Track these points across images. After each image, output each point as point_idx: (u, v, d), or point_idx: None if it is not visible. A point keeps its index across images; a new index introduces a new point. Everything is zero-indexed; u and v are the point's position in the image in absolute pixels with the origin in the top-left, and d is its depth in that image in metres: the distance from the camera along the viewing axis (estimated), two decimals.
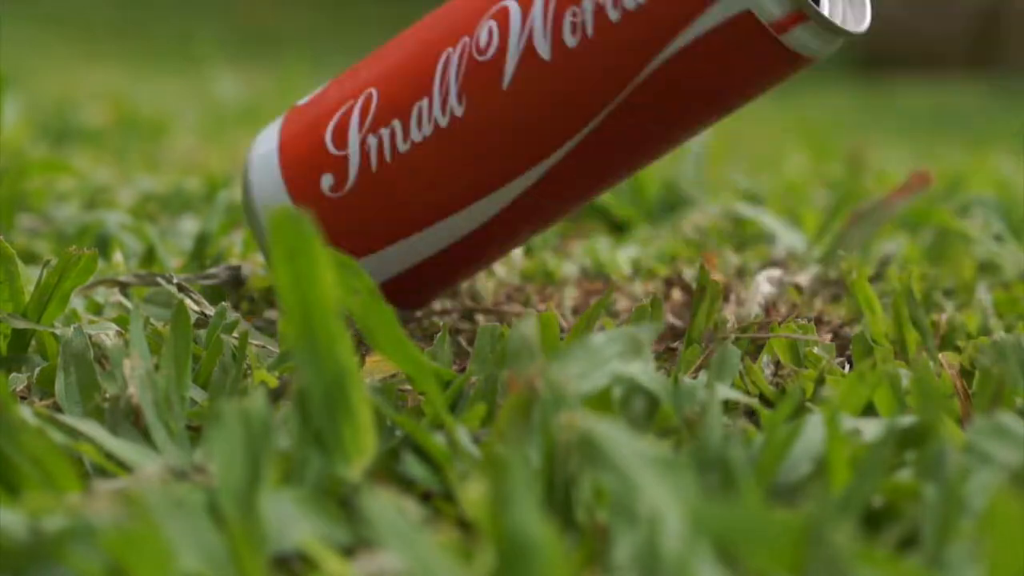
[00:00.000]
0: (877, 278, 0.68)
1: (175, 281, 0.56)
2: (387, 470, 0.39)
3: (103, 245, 0.75)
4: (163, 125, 1.69)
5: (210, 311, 0.52)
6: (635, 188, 1.01)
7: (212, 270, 0.64)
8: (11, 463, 0.35)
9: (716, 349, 0.46)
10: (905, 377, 0.44)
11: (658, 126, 0.53)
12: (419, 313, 0.63)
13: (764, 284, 0.64)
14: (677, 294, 0.69)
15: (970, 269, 0.69)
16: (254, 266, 0.65)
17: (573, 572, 0.31)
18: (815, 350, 0.52)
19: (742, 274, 0.76)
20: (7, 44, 2.70)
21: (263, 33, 4.70)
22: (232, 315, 0.50)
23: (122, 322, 0.52)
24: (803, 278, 0.72)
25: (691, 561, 0.29)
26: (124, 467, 0.38)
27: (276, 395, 0.43)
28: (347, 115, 0.56)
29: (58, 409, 0.42)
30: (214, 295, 0.62)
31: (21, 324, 0.50)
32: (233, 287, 0.63)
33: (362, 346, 0.46)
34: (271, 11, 5.35)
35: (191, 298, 0.54)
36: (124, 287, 0.59)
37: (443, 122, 0.53)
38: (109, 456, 0.38)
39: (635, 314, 0.50)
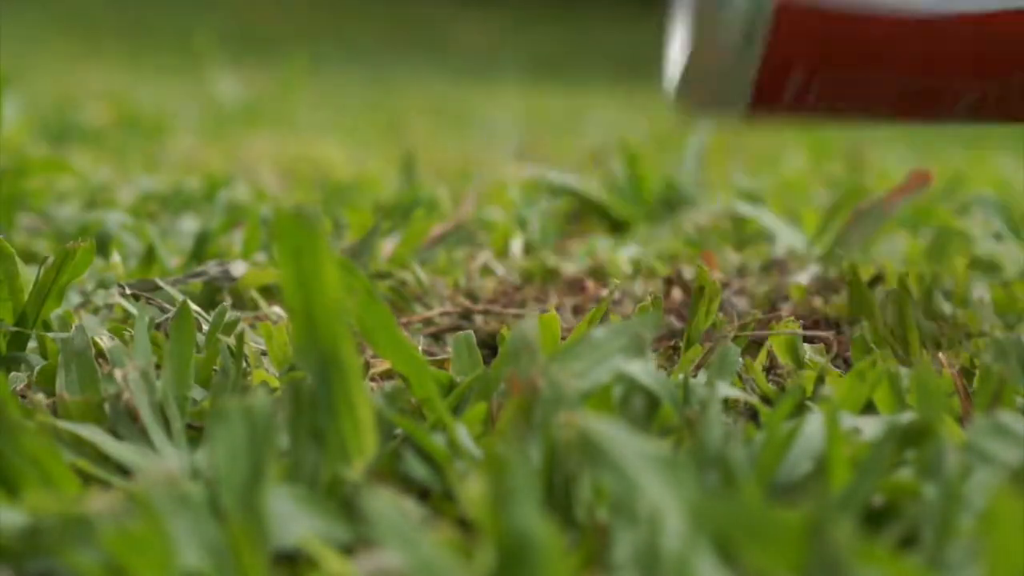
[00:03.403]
0: (878, 279, 0.68)
1: (129, 292, 0.56)
2: (388, 470, 0.39)
3: (103, 244, 0.75)
4: (163, 125, 1.69)
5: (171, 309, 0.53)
6: (635, 188, 1.01)
7: (200, 268, 0.64)
8: (11, 463, 0.35)
9: (715, 348, 0.46)
10: (905, 376, 0.44)
11: None
12: (419, 311, 0.63)
13: (734, 300, 0.64)
14: (677, 294, 0.69)
15: (962, 267, 0.69)
16: (248, 264, 0.64)
17: (573, 571, 0.31)
18: (810, 356, 0.52)
19: (743, 273, 0.76)
20: (7, 43, 2.70)
21: (263, 33, 4.70)
22: (232, 315, 0.50)
23: (118, 331, 0.52)
24: (803, 277, 0.72)
25: (691, 560, 0.29)
26: (124, 467, 0.38)
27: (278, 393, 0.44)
28: None
29: (58, 409, 0.42)
30: (208, 293, 0.62)
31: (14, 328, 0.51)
32: (225, 284, 0.63)
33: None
34: (271, 11, 5.35)
35: (151, 304, 0.54)
36: (120, 291, 0.59)
37: None
38: (108, 456, 0.38)
39: (637, 313, 0.50)
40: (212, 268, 0.63)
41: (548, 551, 0.28)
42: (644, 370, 0.40)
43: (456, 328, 0.60)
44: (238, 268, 0.64)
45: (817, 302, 0.65)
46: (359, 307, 0.40)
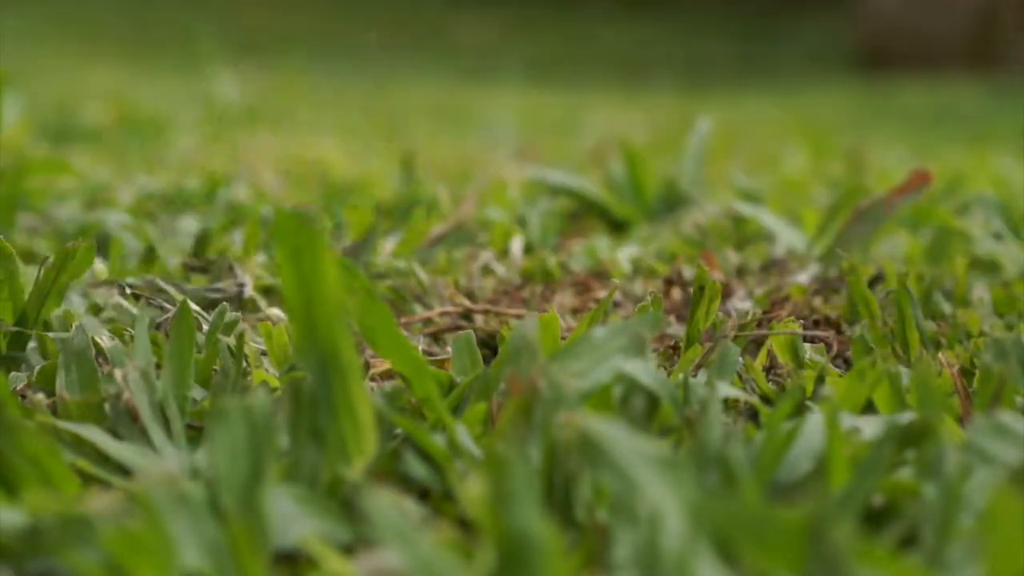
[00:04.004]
0: (878, 279, 0.68)
1: (130, 292, 0.56)
2: (388, 470, 0.39)
3: (103, 244, 0.75)
4: (163, 125, 1.69)
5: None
6: (635, 188, 1.01)
7: (220, 284, 0.64)
8: (11, 463, 0.35)
9: (716, 347, 0.46)
10: (905, 376, 0.44)
11: None
12: (419, 311, 0.63)
13: (740, 303, 0.64)
14: (677, 294, 0.69)
15: (963, 267, 0.69)
16: (253, 275, 0.64)
17: (573, 570, 0.31)
18: (810, 356, 0.52)
19: (742, 273, 0.76)
20: (8, 43, 2.70)
21: (263, 33, 4.70)
22: (232, 315, 0.50)
23: (118, 331, 0.52)
24: (803, 277, 0.72)
25: (691, 559, 0.29)
26: (124, 467, 0.38)
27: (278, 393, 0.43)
28: None
29: (58, 409, 0.42)
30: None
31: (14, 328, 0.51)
32: (235, 300, 0.63)
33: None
34: (271, 11, 5.35)
35: (152, 304, 0.54)
36: (123, 291, 0.59)
37: None
38: (108, 456, 0.38)
39: (637, 313, 0.50)
40: (232, 288, 0.63)
41: (548, 551, 0.28)
42: (644, 370, 0.40)
43: (456, 328, 0.60)
44: (249, 290, 0.64)
45: (817, 302, 0.65)
46: (359, 307, 0.40)
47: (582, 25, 5.45)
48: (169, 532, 0.30)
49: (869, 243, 0.80)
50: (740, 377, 0.49)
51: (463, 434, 0.39)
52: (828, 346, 0.56)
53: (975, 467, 0.36)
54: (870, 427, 0.39)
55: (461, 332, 0.47)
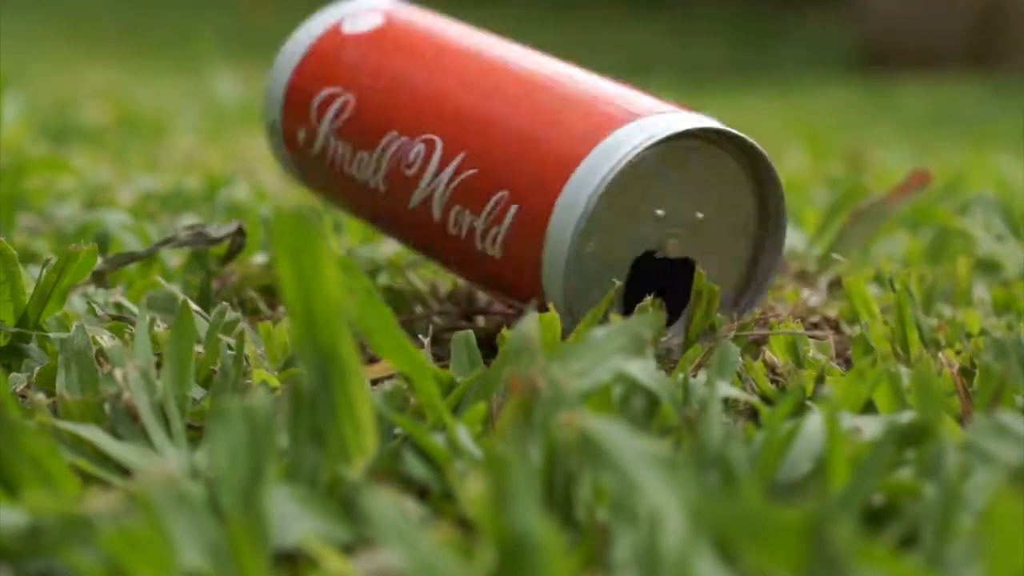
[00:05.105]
0: (877, 278, 0.68)
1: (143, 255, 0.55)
2: (389, 470, 0.39)
3: (103, 244, 0.75)
4: (163, 125, 1.69)
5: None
6: None
7: (171, 233, 0.62)
8: (11, 463, 0.35)
9: (715, 347, 0.46)
10: (905, 376, 0.44)
11: None
12: (419, 311, 0.63)
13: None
14: None
15: (966, 267, 0.69)
16: (236, 224, 0.63)
17: (573, 571, 0.31)
18: (811, 354, 0.52)
19: None
20: (7, 43, 2.70)
21: (263, 33, 4.70)
22: (232, 315, 0.50)
23: (117, 328, 0.52)
24: (803, 278, 0.72)
25: (691, 559, 0.29)
26: (124, 467, 0.38)
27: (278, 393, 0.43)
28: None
29: (58, 409, 0.42)
30: (207, 293, 0.62)
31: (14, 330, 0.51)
32: (203, 247, 0.61)
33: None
34: (271, 11, 5.36)
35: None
36: (101, 276, 0.58)
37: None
38: (108, 456, 0.38)
39: (637, 313, 0.50)
40: (182, 233, 0.62)
41: (548, 551, 0.28)
42: (644, 370, 0.40)
43: (456, 328, 0.60)
44: (218, 231, 0.61)
45: (817, 302, 0.65)
46: (359, 307, 0.40)
47: (582, 25, 5.45)
48: (169, 532, 0.30)
49: (869, 243, 0.80)
50: (740, 377, 0.49)
51: (463, 434, 0.39)
52: (828, 346, 0.56)
53: (975, 467, 0.36)
54: (870, 427, 0.39)
55: (461, 332, 0.47)
